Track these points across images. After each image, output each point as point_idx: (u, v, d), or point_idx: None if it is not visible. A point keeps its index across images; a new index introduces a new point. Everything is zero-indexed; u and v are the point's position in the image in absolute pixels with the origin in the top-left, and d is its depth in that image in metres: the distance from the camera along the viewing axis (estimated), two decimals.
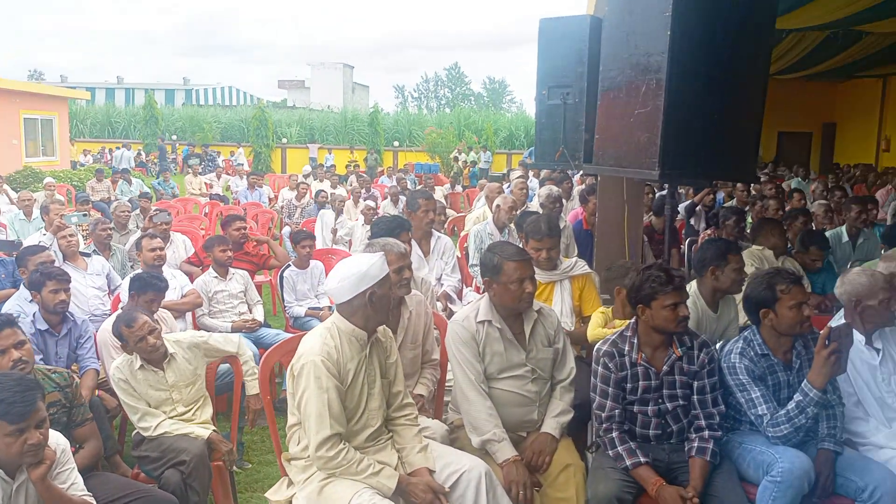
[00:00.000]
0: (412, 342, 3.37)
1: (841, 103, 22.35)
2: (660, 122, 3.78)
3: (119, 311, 4.33)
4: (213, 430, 3.57)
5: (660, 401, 2.94)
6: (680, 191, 9.53)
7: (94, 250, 6.10)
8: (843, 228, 6.14)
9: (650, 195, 7.47)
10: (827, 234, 6.25)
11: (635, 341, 2.95)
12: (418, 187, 13.87)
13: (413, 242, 5.13)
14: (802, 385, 2.82)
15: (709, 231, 7.24)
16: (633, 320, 3.01)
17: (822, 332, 2.76)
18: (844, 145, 22.09)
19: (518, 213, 6.04)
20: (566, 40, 4.79)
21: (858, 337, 3.36)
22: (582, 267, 4.19)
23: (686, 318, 2.85)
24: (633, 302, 2.94)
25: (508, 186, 9.70)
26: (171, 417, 3.53)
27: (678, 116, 3.80)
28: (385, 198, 11.57)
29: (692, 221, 7.80)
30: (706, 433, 2.87)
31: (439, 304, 4.84)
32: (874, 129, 20.10)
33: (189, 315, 5.25)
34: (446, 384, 3.54)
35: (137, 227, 8.12)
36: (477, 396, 2.99)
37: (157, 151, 26.31)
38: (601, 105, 4.16)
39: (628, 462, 2.84)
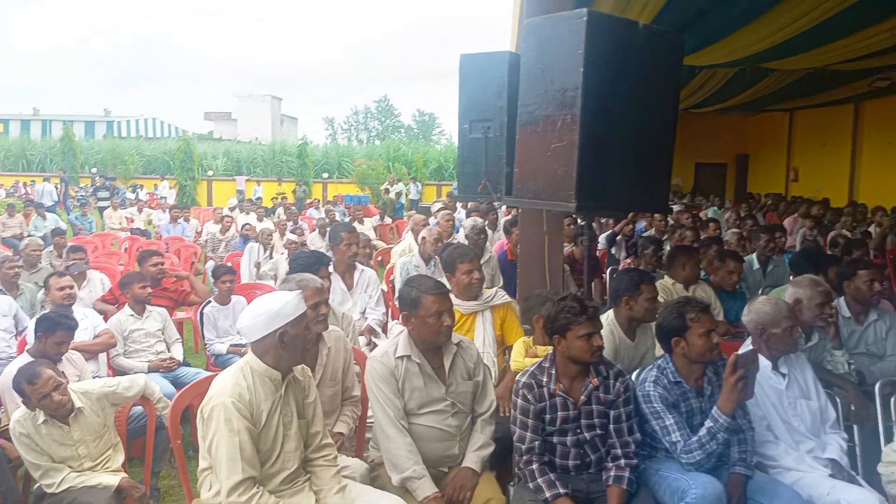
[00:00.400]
0: (331, 379, 3.32)
1: (753, 135, 23.43)
2: (575, 156, 3.87)
3: (25, 354, 4.13)
4: (124, 477, 3.42)
5: (578, 431, 2.97)
6: (603, 220, 9.78)
7: (1, 289, 5.81)
8: (754, 256, 6.39)
9: (570, 226, 7.62)
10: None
11: (553, 372, 2.98)
12: (347, 219, 13.80)
13: (336, 276, 5.09)
14: (712, 411, 2.89)
15: (629, 260, 7.41)
16: (551, 351, 3.04)
17: (729, 359, 2.85)
18: (757, 175, 23.11)
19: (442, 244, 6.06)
20: (486, 75, 4.88)
21: (765, 363, 3.48)
22: (502, 297, 4.23)
23: (600, 347, 2.89)
24: (549, 332, 2.97)
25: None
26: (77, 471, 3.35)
27: (593, 150, 3.90)
28: (313, 230, 11.45)
29: (613, 251, 7.99)
30: (622, 462, 2.91)
31: (363, 339, 4.80)
32: (783, 160, 21.14)
33: (103, 356, 5.04)
34: (367, 421, 3.49)
35: (51, 264, 7.79)
36: (396, 433, 2.96)
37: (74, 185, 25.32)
38: (520, 139, 4.23)
39: (548, 494, 2.84)
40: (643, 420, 3.06)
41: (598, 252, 8.13)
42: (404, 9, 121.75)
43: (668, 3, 7.46)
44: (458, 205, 14.37)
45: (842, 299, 4.45)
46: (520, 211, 5.48)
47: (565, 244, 7.17)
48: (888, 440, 3.39)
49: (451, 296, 4.13)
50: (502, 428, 3.27)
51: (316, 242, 10.04)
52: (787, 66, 11.51)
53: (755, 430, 3.15)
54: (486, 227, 9.41)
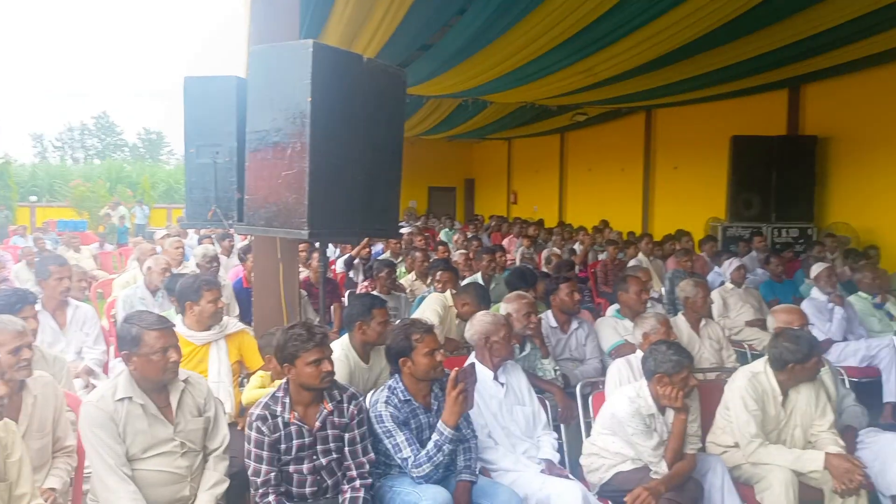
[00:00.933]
0: (38, 431, 2.99)
1: (478, 161, 25.36)
2: (306, 183, 3.92)
3: None
4: None
5: (315, 457, 2.99)
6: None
7: None
8: (479, 275, 6.91)
9: (303, 252, 7.64)
10: (466, 280, 6.98)
11: (287, 401, 2.97)
12: (60, 247, 12.46)
13: (46, 314, 4.61)
14: (438, 425, 3.09)
15: (366, 283, 7.61)
16: (284, 381, 3.03)
17: (450, 374, 3.06)
18: (483, 198, 25.03)
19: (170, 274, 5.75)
20: (214, 100, 4.74)
21: (487, 374, 3.80)
22: (235, 325, 4.14)
23: (330, 373, 2.95)
24: (280, 361, 2.97)
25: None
26: None
27: (324, 177, 3.99)
28: (18, 260, 10.19)
29: (351, 274, 8.15)
30: (357, 482, 2.99)
31: (79, 382, 4.38)
32: (504, 184, 23.13)
33: None
34: (85, 472, 3.19)
35: None
36: (117, 482, 2.75)
37: None
38: (249, 166, 4.17)
39: None
40: (377, 440, 3.17)
41: (336, 276, 8.24)
42: (130, 18, 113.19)
43: (392, 39, 7.85)
44: (192, 231, 13.69)
45: (549, 312, 4.99)
46: (253, 238, 5.39)
47: (302, 269, 7.18)
48: (588, 435, 3.86)
49: (183, 328, 3.97)
50: (237, 462, 3.19)
51: (22, 275, 8.95)
52: (502, 99, 12.67)
53: (478, 438, 3.41)
54: (222, 255, 9.12)
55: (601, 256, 10.56)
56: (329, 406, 3.00)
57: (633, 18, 7.40)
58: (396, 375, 3.25)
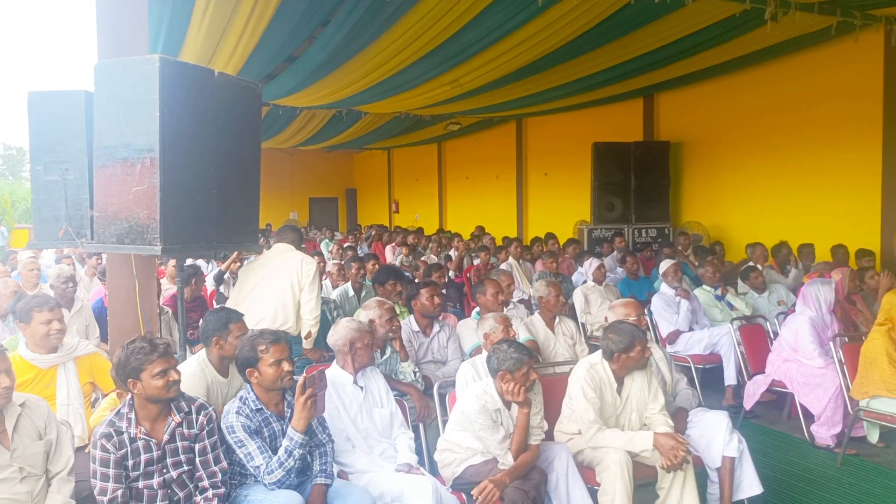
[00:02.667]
0: None
1: (359, 171, 25.40)
2: (157, 199, 3.91)
3: None
4: None
5: (164, 471, 3.00)
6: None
7: None
8: (349, 284, 7.01)
9: (163, 267, 7.50)
10: (336, 291, 7.07)
11: (132, 416, 2.96)
12: None
13: None
14: (288, 431, 3.16)
15: None
16: (129, 397, 3.02)
17: (298, 380, 3.15)
18: (365, 208, 25.09)
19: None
20: (61, 115, 4.61)
21: (347, 378, 3.91)
22: (86, 347, 4.06)
23: (177, 382, 2.97)
24: (122, 378, 2.96)
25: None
26: None
27: (176, 193, 3.98)
28: None
29: (222, 289, 8.04)
30: (210, 493, 3.02)
31: None
32: (386, 193, 23.28)
33: None
34: None
35: None
36: None
37: None
38: (98, 182, 4.10)
39: None
40: (230, 450, 3.21)
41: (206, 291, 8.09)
42: None
43: (255, 52, 7.84)
44: (54, 251, 13.00)
45: (411, 316, 5.15)
46: (106, 256, 5.27)
47: (169, 285, 7.03)
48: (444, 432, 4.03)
49: (27, 351, 3.86)
50: (88, 486, 3.14)
51: None
52: (375, 109, 12.81)
53: (335, 442, 3.51)
54: (87, 275, 8.76)
55: (477, 262, 10.87)
56: (177, 418, 3.02)
57: (491, 32, 7.73)
58: (248, 385, 3.30)
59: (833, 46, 9.03)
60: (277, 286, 5.17)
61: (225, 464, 3.12)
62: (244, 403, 3.24)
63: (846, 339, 5.44)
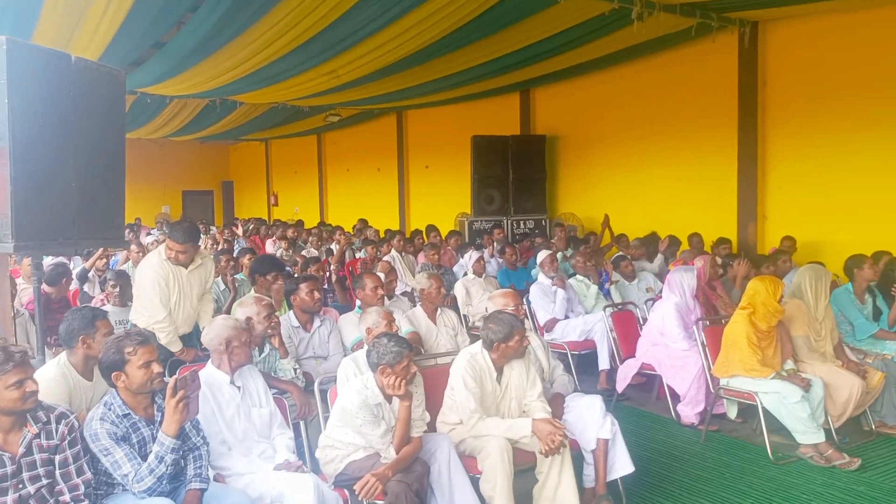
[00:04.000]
0: None
1: (236, 163, 24.59)
2: (8, 193, 3.62)
3: None
4: None
5: (21, 486, 2.77)
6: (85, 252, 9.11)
7: None
8: (220, 278, 6.79)
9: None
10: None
11: None
12: None
13: None
14: (158, 435, 3.01)
15: (104, 297, 7.10)
16: None
17: (169, 383, 3.00)
18: (243, 201, 24.33)
19: None
20: None
21: (223, 378, 3.77)
22: None
23: (34, 392, 2.76)
24: None
25: None
26: None
27: (29, 185, 3.71)
28: None
29: (86, 288, 7.57)
30: None
31: None
32: (264, 186, 22.67)
33: None
34: None
35: None
36: None
37: None
38: None
39: None
40: (95, 459, 3.01)
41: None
42: None
43: (117, 37, 7.40)
44: None
45: (291, 312, 5.04)
46: None
47: (28, 285, 6.54)
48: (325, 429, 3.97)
49: None
50: None
51: None
52: (251, 99, 12.43)
53: (210, 445, 3.37)
54: None
55: (360, 255, 10.78)
56: (34, 429, 2.80)
57: (368, 23, 7.66)
58: (113, 390, 3.11)
59: (694, 46, 9.57)
60: (195, 290, 5.15)
61: (89, 475, 2.92)
62: (109, 409, 3.05)
63: (708, 322, 5.80)
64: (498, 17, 7.95)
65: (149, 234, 12.70)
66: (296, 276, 5.95)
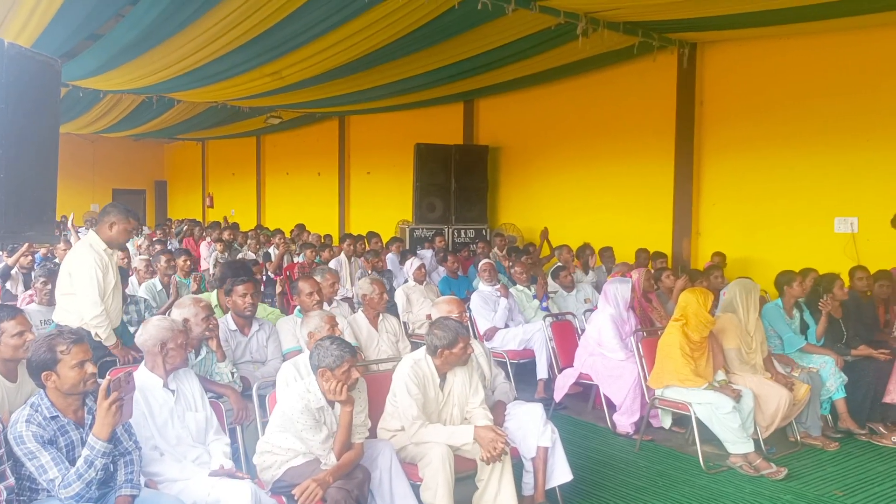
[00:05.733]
0: None
1: (170, 162, 23.97)
2: None
3: None
4: None
5: None
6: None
7: None
8: (157, 279, 6.59)
9: None
10: (143, 286, 6.62)
11: None
12: None
13: None
14: (89, 439, 2.88)
15: (29, 294, 6.80)
16: None
17: (102, 383, 2.88)
18: (176, 201, 23.71)
19: None
20: None
21: (157, 381, 3.64)
22: None
23: None
24: None
25: None
26: None
27: None
28: None
29: (9, 286, 7.23)
30: None
31: None
32: (199, 187, 22.15)
33: None
34: None
35: None
36: None
37: None
38: None
39: None
40: (19, 464, 2.86)
41: None
42: None
43: (52, 25, 7.12)
44: None
45: (229, 315, 4.91)
46: None
47: None
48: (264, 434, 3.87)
49: None
50: None
51: None
52: (189, 97, 12.14)
53: (142, 450, 3.25)
54: None
55: (298, 259, 10.62)
56: None
57: (315, 24, 7.57)
58: (41, 391, 2.96)
59: (636, 64, 9.79)
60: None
61: (11, 480, 2.77)
62: (36, 411, 2.90)
63: (644, 333, 5.91)
64: (445, 26, 7.98)
65: (78, 231, 12.22)
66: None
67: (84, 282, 4.51)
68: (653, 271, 7.31)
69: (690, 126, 9.51)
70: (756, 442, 5.13)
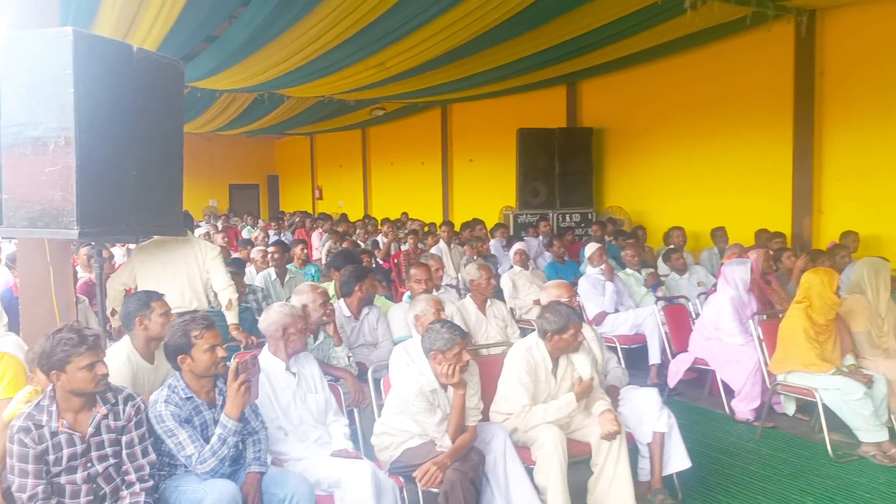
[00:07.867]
0: None
1: (281, 157, 24.86)
2: (73, 180, 3.70)
3: None
4: None
5: (89, 465, 2.84)
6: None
7: None
8: (273, 269, 6.87)
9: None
10: (259, 275, 6.91)
11: (54, 409, 2.80)
12: None
13: None
14: (221, 418, 3.06)
15: None
16: (49, 388, 2.85)
17: (230, 366, 3.04)
18: (288, 194, 24.59)
19: None
20: None
21: (280, 365, 3.81)
22: None
23: (105, 375, 2.82)
24: (45, 369, 2.79)
25: None
26: None
27: (93, 174, 3.78)
28: None
29: None
30: (137, 486, 2.89)
31: None
32: (309, 180, 22.88)
33: None
34: None
35: None
36: None
37: None
38: (7, 163, 3.85)
39: None
40: (159, 441, 3.08)
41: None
42: None
43: (173, 30, 7.53)
44: None
45: (342, 301, 5.07)
46: (18, 241, 4.97)
47: (83, 273, 6.71)
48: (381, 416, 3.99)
49: None
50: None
51: None
52: (298, 93, 12.54)
53: (268, 430, 3.41)
54: None
55: (404, 247, 10.82)
56: (103, 410, 2.87)
57: (417, 14, 7.65)
58: (177, 373, 3.17)
59: (748, 36, 9.35)
60: (179, 271, 5.02)
61: (153, 456, 2.99)
62: (173, 392, 3.11)
63: (764, 316, 5.67)
64: (547, 8, 7.88)
65: (198, 225, 12.93)
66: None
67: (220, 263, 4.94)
68: (772, 252, 6.98)
69: (810, 99, 8.98)
70: (891, 430, 4.83)
